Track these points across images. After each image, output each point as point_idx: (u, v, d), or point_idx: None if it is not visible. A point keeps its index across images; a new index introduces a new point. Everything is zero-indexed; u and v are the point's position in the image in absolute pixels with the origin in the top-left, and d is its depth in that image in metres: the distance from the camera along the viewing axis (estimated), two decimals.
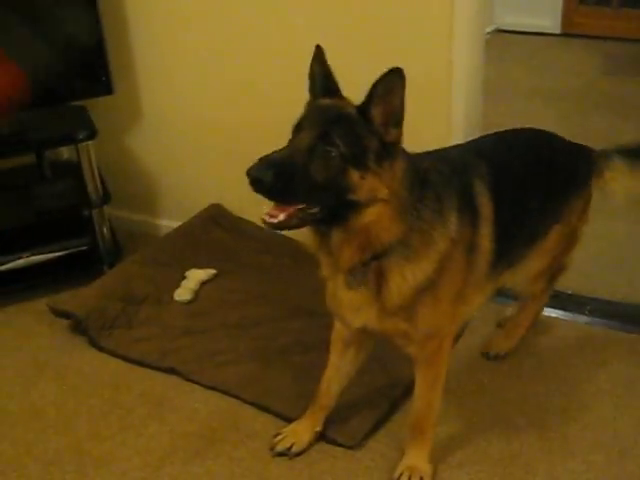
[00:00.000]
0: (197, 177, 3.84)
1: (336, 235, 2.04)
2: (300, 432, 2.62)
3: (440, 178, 2.16)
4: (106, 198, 3.62)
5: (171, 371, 2.97)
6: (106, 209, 3.65)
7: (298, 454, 2.59)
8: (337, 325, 2.50)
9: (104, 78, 3.47)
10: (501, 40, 7.16)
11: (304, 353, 3.00)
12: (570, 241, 2.80)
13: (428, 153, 2.28)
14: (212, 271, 3.48)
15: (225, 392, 2.86)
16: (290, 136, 2.03)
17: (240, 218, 3.82)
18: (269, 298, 3.33)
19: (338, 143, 1.90)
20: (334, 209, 1.97)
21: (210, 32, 3.47)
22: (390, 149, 1.98)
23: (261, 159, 1.90)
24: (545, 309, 3.15)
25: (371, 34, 3.13)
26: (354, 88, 3.20)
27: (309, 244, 2.21)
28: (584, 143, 2.81)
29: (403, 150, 2.05)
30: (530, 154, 2.63)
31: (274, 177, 1.86)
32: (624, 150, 2.74)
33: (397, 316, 2.19)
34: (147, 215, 4.04)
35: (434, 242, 2.12)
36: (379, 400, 2.76)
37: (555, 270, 2.88)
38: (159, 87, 3.71)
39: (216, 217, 3.81)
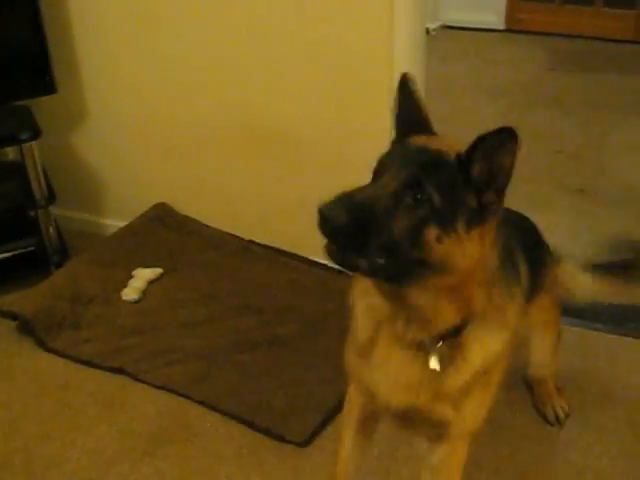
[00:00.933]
0: (143, 176, 3.82)
1: (419, 293, 1.64)
2: None
3: (504, 257, 1.80)
4: (52, 198, 3.58)
5: (120, 371, 2.96)
6: (52, 209, 3.61)
7: None
8: (354, 404, 2.19)
9: (47, 77, 3.42)
10: (446, 36, 7.22)
11: (251, 351, 3.01)
12: (559, 311, 2.69)
13: None
14: (159, 270, 3.48)
15: (174, 391, 2.86)
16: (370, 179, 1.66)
17: (186, 216, 3.81)
18: (216, 296, 3.33)
19: (430, 192, 1.53)
20: (401, 266, 1.57)
21: (156, 30, 3.45)
22: (484, 213, 1.60)
23: (338, 196, 1.51)
24: None
25: (310, 34, 3.13)
26: (291, 90, 3.27)
27: (373, 308, 1.81)
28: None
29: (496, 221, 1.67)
30: (529, 235, 2.43)
31: (347, 220, 1.47)
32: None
33: (448, 400, 1.85)
34: (93, 215, 4.00)
35: (507, 319, 1.82)
36: (327, 396, 2.77)
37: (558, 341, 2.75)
38: (104, 85, 3.67)
39: (162, 216, 3.79)
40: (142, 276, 3.42)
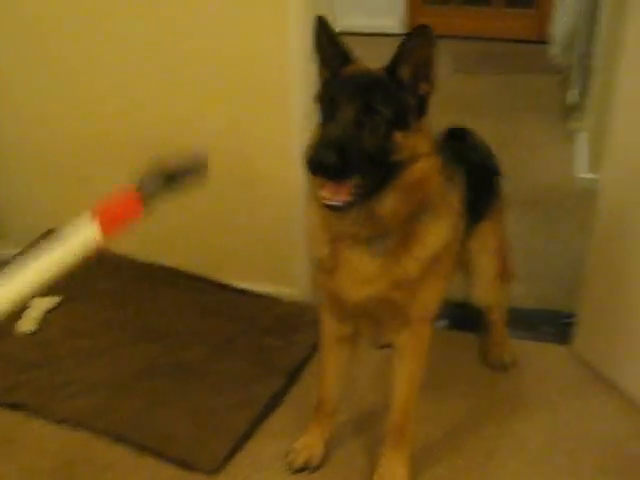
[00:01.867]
0: (33, 201, 3.69)
1: (390, 195, 2.01)
2: (313, 445, 2.58)
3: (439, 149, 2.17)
4: None
5: (19, 407, 2.83)
6: None
7: (318, 467, 2.57)
8: (328, 324, 2.46)
9: None
10: (346, 43, 7.19)
11: (157, 377, 2.92)
12: (504, 241, 2.90)
13: None
14: (56, 298, 3.35)
15: (77, 424, 2.74)
16: (320, 111, 2.02)
17: None
18: (117, 323, 3.23)
19: (382, 110, 1.92)
20: (381, 172, 1.96)
21: (44, 45, 3.32)
22: (423, 104, 2.02)
23: (319, 143, 1.91)
24: None
25: (204, 40, 3.08)
26: (186, 104, 3.19)
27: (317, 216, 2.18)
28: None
29: None
30: (473, 152, 2.76)
31: (337, 158, 1.85)
32: None
33: (403, 288, 2.16)
34: None
35: (452, 204, 2.20)
36: (236, 422, 2.70)
37: (504, 277, 2.92)
38: None
39: None
40: (38, 306, 3.28)
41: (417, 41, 1.93)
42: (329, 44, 2.06)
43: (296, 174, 3.07)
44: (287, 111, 3.04)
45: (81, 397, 2.84)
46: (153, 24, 3.12)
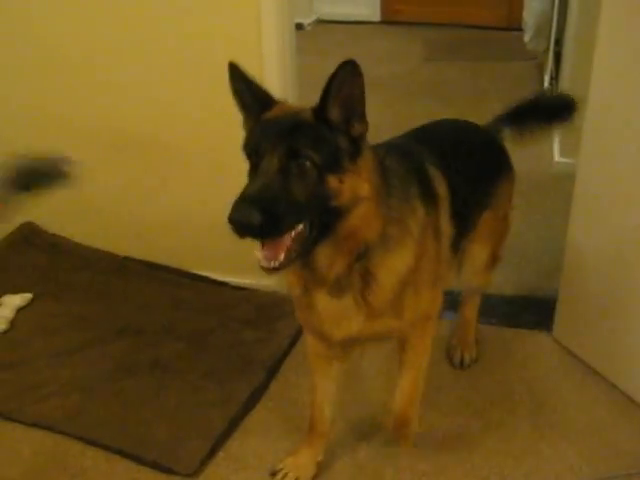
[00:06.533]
0: None
1: (324, 248, 1.89)
2: (302, 465, 2.47)
3: (397, 165, 2.06)
4: None
5: None
6: None
7: None
8: (312, 344, 2.33)
9: None
10: (322, 30, 7.24)
11: (132, 377, 2.85)
12: (504, 228, 2.82)
13: (376, 145, 2.07)
14: (28, 295, 3.27)
15: (49, 428, 2.66)
16: (247, 162, 1.84)
17: (55, 235, 3.62)
18: (92, 319, 3.15)
19: (309, 154, 1.75)
20: (321, 221, 1.81)
21: (19, 31, 3.25)
22: (359, 143, 1.85)
23: (237, 201, 1.70)
24: None
25: (176, 34, 3.03)
26: (159, 93, 3.11)
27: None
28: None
29: (367, 141, 1.90)
30: (462, 143, 2.63)
31: (262, 216, 1.68)
32: (508, 119, 2.93)
33: (385, 315, 2.09)
34: None
35: (409, 230, 2.04)
36: (214, 420, 2.63)
37: (491, 262, 2.83)
38: None
39: (29, 236, 3.60)
40: (10, 303, 3.21)
41: (343, 77, 1.75)
42: (246, 90, 1.92)
43: None
44: None
45: (53, 399, 2.76)
46: (129, 14, 3.06)
